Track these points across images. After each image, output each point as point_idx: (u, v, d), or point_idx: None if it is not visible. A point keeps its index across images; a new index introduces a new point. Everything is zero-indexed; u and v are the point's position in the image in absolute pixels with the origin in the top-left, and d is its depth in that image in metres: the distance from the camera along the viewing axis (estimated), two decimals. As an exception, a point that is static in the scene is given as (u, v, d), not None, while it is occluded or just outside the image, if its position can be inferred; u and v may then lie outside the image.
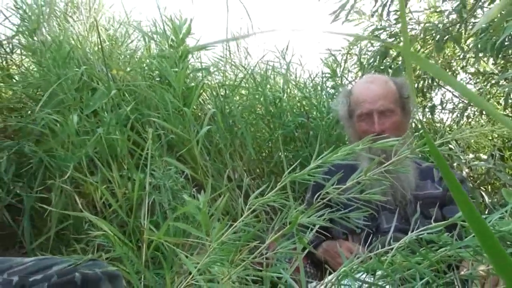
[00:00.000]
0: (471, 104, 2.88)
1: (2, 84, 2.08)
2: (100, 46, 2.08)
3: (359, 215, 0.85)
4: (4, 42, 2.14)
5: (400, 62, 2.75)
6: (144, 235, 1.48)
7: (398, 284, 0.86)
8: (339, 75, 2.69)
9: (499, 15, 1.75)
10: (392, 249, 0.87)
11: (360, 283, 0.86)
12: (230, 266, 0.77)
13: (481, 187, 2.63)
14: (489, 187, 2.64)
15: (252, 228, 0.80)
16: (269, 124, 2.38)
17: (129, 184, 1.70)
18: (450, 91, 3.03)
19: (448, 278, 0.90)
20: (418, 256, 0.89)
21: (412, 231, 0.85)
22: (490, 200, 2.45)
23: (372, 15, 2.74)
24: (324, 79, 2.67)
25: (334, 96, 2.54)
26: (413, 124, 2.63)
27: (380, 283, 0.87)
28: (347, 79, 2.74)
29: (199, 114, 2.10)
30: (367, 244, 1.36)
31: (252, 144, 2.19)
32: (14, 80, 2.14)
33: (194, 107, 2.00)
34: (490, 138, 2.70)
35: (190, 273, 0.88)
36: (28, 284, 1.17)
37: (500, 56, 2.57)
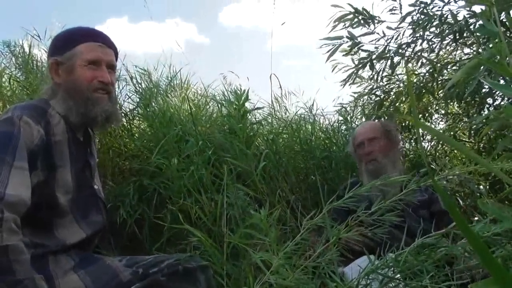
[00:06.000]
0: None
1: (127, 140, 2.14)
2: (190, 112, 2.12)
3: (382, 230, 0.82)
4: (128, 112, 2.22)
5: (391, 109, 2.70)
6: (225, 238, 1.47)
7: (411, 278, 0.81)
8: (349, 121, 2.67)
9: (461, 78, 1.75)
10: (404, 252, 0.83)
11: (383, 277, 0.82)
12: (293, 268, 0.75)
13: (456, 194, 2.55)
14: (462, 193, 2.54)
15: (306, 242, 0.77)
16: (304, 157, 2.36)
17: (212, 203, 1.70)
18: (427, 127, 2.91)
19: (446, 271, 0.85)
20: (423, 255, 0.84)
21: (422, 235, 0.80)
22: (463, 203, 2.37)
23: (370, 79, 2.72)
24: (339, 124, 2.66)
25: (347, 136, 2.51)
26: (403, 151, 2.59)
27: (397, 276, 0.83)
28: (355, 124, 2.70)
29: (256, 153, 2.09)
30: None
31: (293, 171, 2.17)
32: (135, 137, 2.20)
33: (253, 148, 1.99)
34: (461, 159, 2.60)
35: (259, 267, 0.86)
36: (148, 274, 1.18)
37: (462, 102, 2.52)
